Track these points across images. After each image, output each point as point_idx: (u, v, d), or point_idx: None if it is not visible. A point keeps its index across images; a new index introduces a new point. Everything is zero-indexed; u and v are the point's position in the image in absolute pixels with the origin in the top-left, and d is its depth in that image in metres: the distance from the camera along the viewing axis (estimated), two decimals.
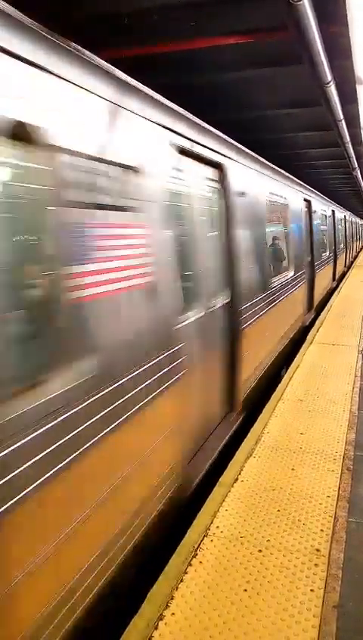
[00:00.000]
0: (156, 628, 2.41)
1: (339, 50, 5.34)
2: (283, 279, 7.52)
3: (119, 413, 2.63)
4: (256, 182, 6.17)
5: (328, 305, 11.55)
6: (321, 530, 3.15)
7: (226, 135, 5.31)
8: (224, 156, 4.85)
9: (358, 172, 15.96)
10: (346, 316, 10.14)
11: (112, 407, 2.57)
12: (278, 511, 3.37)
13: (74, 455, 2.25)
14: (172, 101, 3.68)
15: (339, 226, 18.29)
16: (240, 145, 5.72)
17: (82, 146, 2.47)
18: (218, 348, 4.57)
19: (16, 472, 1.90)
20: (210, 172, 4.57)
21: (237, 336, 4.88)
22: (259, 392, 5.82)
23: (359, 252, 34.92)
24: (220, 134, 5.00)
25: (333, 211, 16.59)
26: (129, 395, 2.75)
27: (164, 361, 3.20)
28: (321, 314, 10.46)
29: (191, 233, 4.11)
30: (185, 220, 4.04)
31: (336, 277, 16.53)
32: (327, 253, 13.94)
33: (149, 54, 5.43)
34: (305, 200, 10.38)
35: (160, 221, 3.28)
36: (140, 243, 3.01)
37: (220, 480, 3.76)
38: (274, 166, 7.81)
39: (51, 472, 2.09)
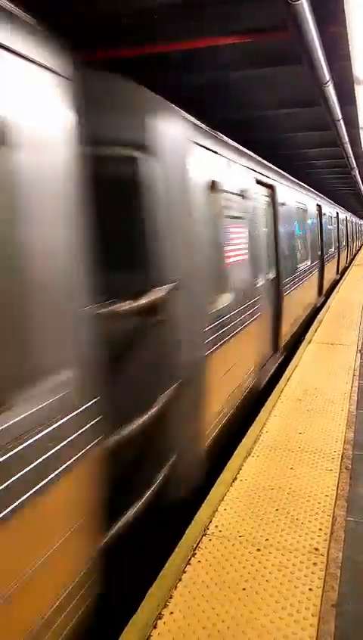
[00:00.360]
0: (154, 627, 2.42)
1: (338, 50, 5.34)
2: (305, 266, 9.86)
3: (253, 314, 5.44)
4: (290, 195, 8.52)
5: (326, 305, 11.57)
6: (320, 529, 3.16)
7: (226, 135, 5.35)
8: (275, 180, 7.23)
9: (357, 172, 15.97)
10: (345, 316, 10.15)
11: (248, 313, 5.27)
12: (277, 510, 3.37)
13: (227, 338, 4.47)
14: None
15: (342, 226, 20.08)
16: (282, 171, 8.25)
17: (229, 188, 4.85)
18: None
19: None
20: (268, 191, 6.93)
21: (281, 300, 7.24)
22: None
23: (358, 250, 35.28)
24: (272, 166, 7.58)
25: (337, 212, 18.37)
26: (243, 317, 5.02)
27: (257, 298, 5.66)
28: (319, 313, 10.48)
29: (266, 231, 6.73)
30: (263, 222, 6.44)
31: (339, 271, 18.30)
32: (333, 249, 15.87)
33: (149, 54, 5.42)
34: (317, 204, 12.41)
35: (253, 224, 5.64)
36: (245, 236, 5.32)
37: (219, 479, 3.77)
38: (298, 182, 10.17)
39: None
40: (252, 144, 7.06)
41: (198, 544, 3.02)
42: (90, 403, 2.20)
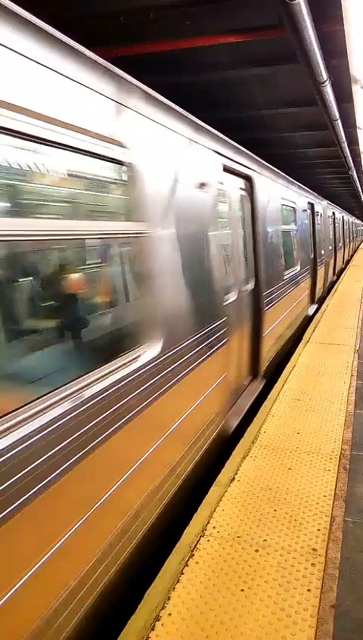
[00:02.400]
0: (152, 629, 2.40)
1: (334, 49, 5.34)
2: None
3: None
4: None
5: (324, 305, 11.56)
6: (318, 530, 3.14)
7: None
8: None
9: (354, 171, 15.98)
10: (343, 316, 10.15)
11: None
12: (275, 510, 3.36)
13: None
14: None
15: (338, 226, 19.59)
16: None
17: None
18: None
19: None
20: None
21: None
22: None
23: (356, 250, 35.28)
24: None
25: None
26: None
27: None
28: (316, 315, 10.47)
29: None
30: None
31: (336, 271, 18.42)
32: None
33: (146, 53, 5.42)
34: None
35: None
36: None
37: (216, 479, 3.75)
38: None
39: None
40: (250, 144, 7.05)
41: (196, 545, 3.01)
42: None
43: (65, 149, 2.34)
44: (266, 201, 6.46)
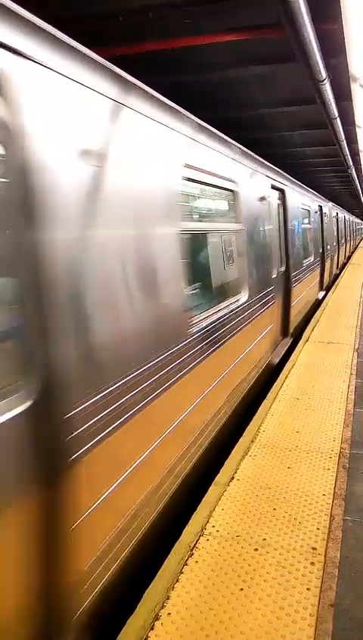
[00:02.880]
0: (152, 628, 2.40)
1: (334, 48, 5.34)
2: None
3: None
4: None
5: (323, 304, 11.57)
6: (317, 529, 3.15)
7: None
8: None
9: (353, 170, 15.98)
10: (342, 315, 10.15)
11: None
12: (274, 509, 3.36)
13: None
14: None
15: (340, 225, 21.39)
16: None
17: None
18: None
19: None
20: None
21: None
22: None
23: (356, 248, 35.81)
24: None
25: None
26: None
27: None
28: (317, 312, 10.48)
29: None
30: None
31: (339, 266, 19.82)
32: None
33: (146, 52, 5.41)
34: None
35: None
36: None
37: (216, 479, 3.75)
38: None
39: None
40: (251, 143, 7.04)
41: (195, 544, 3.01)
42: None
43: (217, 187, 4.75)
44: (293, 207, 8.65)
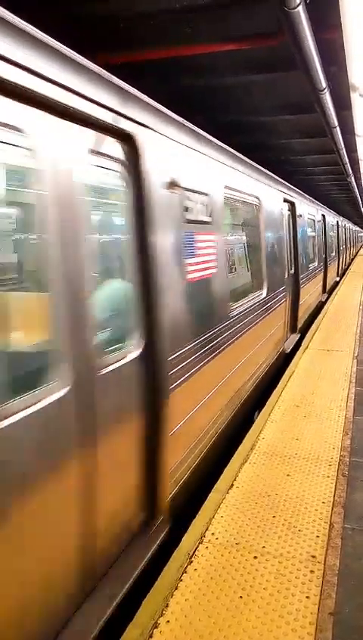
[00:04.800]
0: (150, 636, 2.39)
1: (333, 57, 5.37)
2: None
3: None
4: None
5: (323, 311, 11.59)
6: (317, 537, 3.13)
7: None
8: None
9: (353, 179, 16.04)
10: (341, 322, 10.16)
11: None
12: (274, 517, 3.35)
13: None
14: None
15: (341, 233, 22.53)
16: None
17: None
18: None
19: None
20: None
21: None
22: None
23: (355, 255, 36.27)
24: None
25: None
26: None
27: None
28: (316, 320, 10.50)
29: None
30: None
31: (339, 273, 20.63)
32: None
33: (148, 59, 5.44)
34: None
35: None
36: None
37: (215, 486, 3.74)
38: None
39: None
40: (250, 149, 7.08)
41: (195, 551, 2.99)
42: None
43: (246, 203, 6.08)
44: (300, 217, 9.80)
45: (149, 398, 3.08)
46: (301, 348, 7.96)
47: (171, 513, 3.34)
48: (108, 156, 2.81)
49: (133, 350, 2.96)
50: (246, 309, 5.42)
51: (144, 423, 3.08)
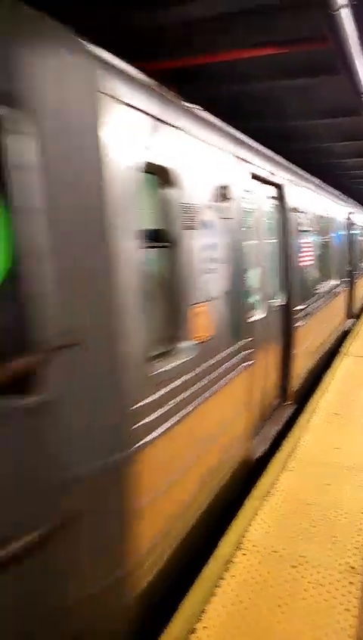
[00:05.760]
0: None
1: None
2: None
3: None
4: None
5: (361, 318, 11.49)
6: (356, 548, 3.07)
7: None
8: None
9: None
10: None
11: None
12: (312, 526, 3.30)
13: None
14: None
15: None
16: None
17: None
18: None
19: None
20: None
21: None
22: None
23: None
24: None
25: None
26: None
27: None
28: (354, 327, 10.33)
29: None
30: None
31: None
32: None
33: (188, 66, 5.47)
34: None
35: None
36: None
37: (252, 492, 3.71)
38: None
39: None
40: (288, 154, 7.03)
41: (232, 558, 2.98)
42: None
43: (328, 217, 8.62)
44: (355, 225, 12.20)
45: (286, 328, 5.41)
46: (339, 354, 7.83)
47: (294, 399, 5.62)
48: (273, 197, 5.34)
49: (281, 301, 5.36)
50: (328, 289, 7.97)
51: (282, 343, 5.34)
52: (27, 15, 1.95)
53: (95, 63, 2.22)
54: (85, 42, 2.22)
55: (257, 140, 4.90)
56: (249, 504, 3.56)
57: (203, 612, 2.57)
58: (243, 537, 3.18)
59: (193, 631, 2.45)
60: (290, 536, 3.20)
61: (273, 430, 4.78)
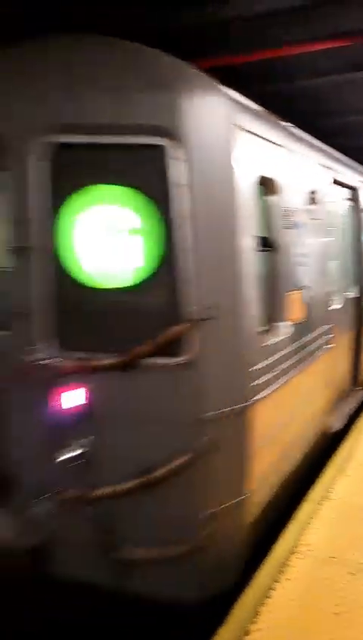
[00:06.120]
0: None
1: None
2: None
3: None
4: None
5: None
6: None
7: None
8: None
9: None
10: None
11: None
12: None
13: None
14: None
15: None
16: None
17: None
18: None
19: None
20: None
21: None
22: None
23: None
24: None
25: None
26: None
27: None
28: None
29: None
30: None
31: None
32: None
33: (243, 62, 5.41)
34: None
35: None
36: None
37: (308, 495, 3.63)
38: None
39: None
40: (345, 151, 6.84)
41: (287, 561, 2.92)
42: None
43: None
44: None
45: (357, 319, 5.69)
46: None
47: None
48: (348, 198, 5.77)
49: (355, 294, 5.68)
50: None
51: (355, 332, 5.65)
52: (184, 70, 2.73)
53: (228, 103, 2.91)
54: (220, 86, 2.93)
55: (320, 139, 4.79)
56: (305, 507, 3.48)
57: (257, 614, 2.52)
58: (299, 541, 3.11)
59: (247, 633, 2.41)
60: (347, 542, 3.10)
61: (346, 409, 5.23)
